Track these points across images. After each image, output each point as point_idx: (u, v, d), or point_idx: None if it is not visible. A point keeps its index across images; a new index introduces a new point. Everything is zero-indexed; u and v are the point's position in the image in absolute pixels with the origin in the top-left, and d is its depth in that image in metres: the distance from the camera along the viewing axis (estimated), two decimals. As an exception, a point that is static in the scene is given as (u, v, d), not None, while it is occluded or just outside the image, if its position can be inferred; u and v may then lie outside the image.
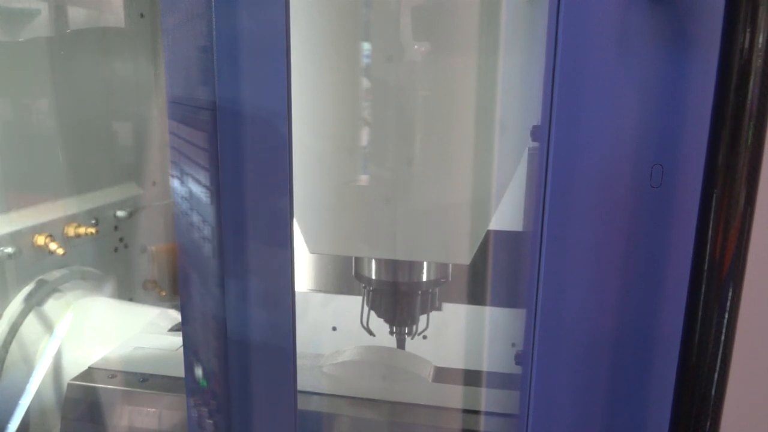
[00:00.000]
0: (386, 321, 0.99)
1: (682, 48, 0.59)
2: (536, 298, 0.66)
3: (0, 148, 1.36)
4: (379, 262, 0.94)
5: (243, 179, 0.74)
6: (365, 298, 0.99)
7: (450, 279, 0.98)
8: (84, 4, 1.57)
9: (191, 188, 0.87)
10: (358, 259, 0.97)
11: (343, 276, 1.38)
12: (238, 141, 0.73)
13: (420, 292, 0.95)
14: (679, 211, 0.61)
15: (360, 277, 0.97)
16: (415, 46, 0.82)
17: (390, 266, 0.94)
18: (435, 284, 0.96)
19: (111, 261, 1.66)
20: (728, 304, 0.54)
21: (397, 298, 0.95)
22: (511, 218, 0.86)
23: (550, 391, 0.68)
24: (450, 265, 0.97)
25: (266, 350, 0.78)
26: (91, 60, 1.61)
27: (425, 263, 0.94)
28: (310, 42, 0.85)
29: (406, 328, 0.98)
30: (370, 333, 1.02)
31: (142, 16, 1.68)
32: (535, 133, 0.66)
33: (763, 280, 0.65)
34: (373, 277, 0.95)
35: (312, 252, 0.89)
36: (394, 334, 1.00)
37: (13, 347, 1.33)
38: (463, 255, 0.86)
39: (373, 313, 1.00)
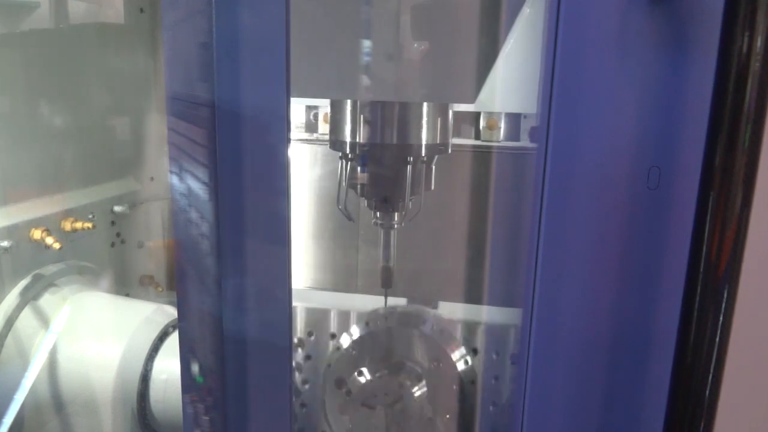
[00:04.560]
0: (370, 200, 0.80)
1: (680, 50, 0.59)
2: (532, 299, 0.66)
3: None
4: (363, 117, 0.76)
5: (241, 176, 0.74)
6: (343, 172, 0.80)
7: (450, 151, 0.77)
8: (83, -1, 1.56)
9: (190, 184, 0.87)
10: (334, 119, 0.77)
11: (342, 273, 1.38)
12: (237, 137, 0.73)
13: (412, 161, 0.75)
14: (676, 213, 0.62)
15: (336, 143, 0.78)
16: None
17: (377, 122, 0.74)
18: (433, 151, 0.77)
19: (108, 256, 1.66)
20: (723, 305, 0.55)
21: (385, 168, 0.77)
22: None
23: (545, 391, 0.68)
24: (450, 132, 0.79)
25: (262, 347, 0.78)
26: (89, 54, 1.61)
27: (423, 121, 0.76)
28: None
29: (395, 212, 0.78)
30: (349, 217, 0.83)
31: (141, 11, 1.68)
32: (533, 134, 0.66)
33: (758, 282, 0.65)
34: (355, 139, 0.75)
35: (294, 96, 0.70)
36: (378, 221, 0.80)
37: (9, 342, 1.33)
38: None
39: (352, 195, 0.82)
